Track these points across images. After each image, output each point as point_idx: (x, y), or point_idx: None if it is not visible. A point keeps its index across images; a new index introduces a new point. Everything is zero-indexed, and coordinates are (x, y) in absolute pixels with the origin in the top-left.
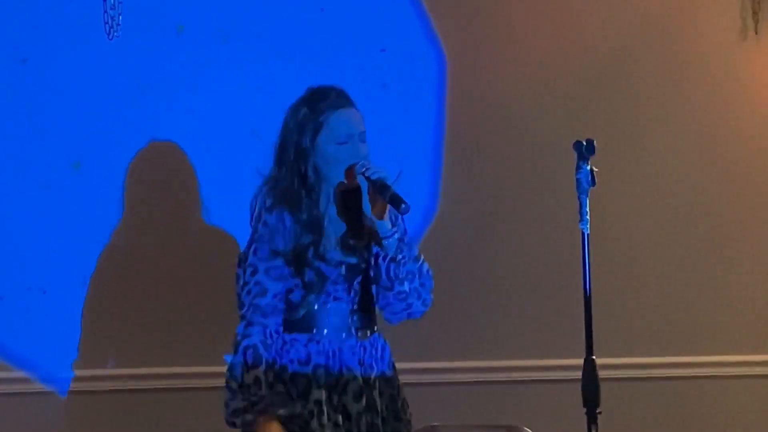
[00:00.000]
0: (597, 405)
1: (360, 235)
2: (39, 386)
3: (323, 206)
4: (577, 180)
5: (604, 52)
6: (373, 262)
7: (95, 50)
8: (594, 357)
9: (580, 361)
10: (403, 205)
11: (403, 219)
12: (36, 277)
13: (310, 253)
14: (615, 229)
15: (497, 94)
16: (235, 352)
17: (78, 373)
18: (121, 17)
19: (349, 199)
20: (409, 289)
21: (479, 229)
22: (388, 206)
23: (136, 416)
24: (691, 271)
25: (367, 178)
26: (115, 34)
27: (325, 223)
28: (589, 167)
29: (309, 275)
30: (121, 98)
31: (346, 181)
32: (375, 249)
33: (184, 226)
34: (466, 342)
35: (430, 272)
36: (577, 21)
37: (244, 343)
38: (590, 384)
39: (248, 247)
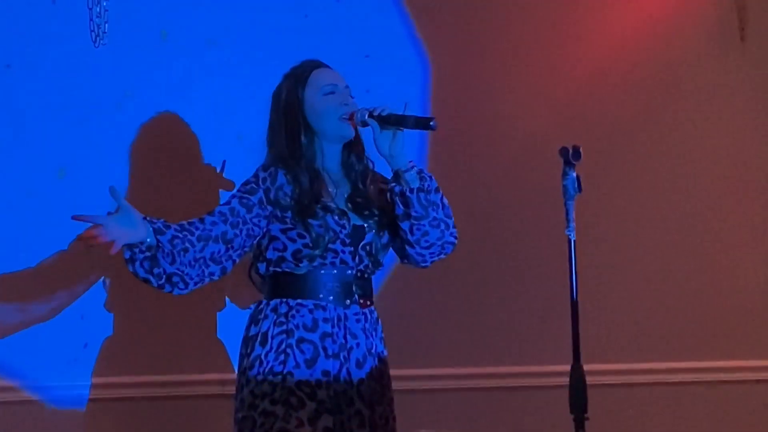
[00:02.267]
0: (584, 411)
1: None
2: (23, 395)
3: (320, 161)
4: (564, 186)
5: (590, 58)
6: (398, 201)
7: (79, 56)
8: (581, 363)
9: (568, 368)
10: (431, 122)
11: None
12: None
13: (315, 204)
14: (602, 236)
15: (481, 99)
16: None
17: (73, 382)
18: (107, 25)
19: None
20: (438, 216)
21: (464, 235)
22: (402, 143)
23: (133, 425)
24: (678, 278)
25: (378, 117)
26: (102, 42)
27: (326, 177)
28: (575, 174)
29: (315, 228)
30: (106, 105)
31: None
32: (397, 187)
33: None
34: (452, 349)
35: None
36: (564, 26)
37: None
38: (577, 390)
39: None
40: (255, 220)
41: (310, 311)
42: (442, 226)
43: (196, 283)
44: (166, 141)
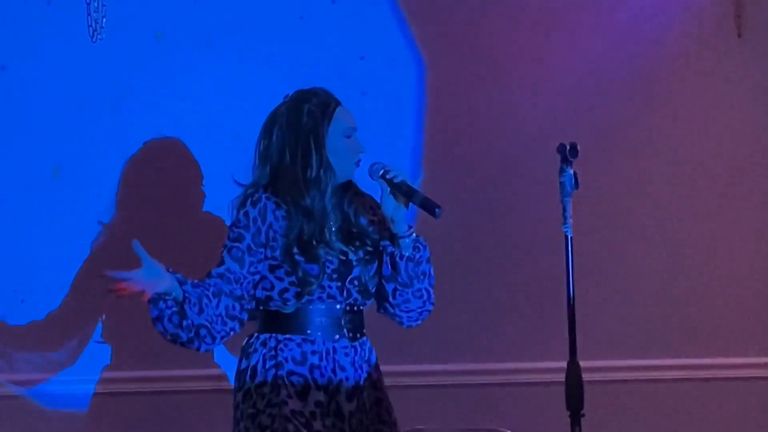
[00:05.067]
0: (581, 408)
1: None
2: (9, 391)
3: (329, 198)
4: (561, 183)
5: (587, 55)
6: (387, 261)
7: (74, 56)
8: (578, 360)
9: (564, 364)
10: (437, 210)
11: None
12: (17, 283)
13: (315, 239)
14: (599, 233)
15: (478, 97)
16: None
17: (68, 377)
18: (104, 20)
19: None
20: (423, 288)
21: (462, 233)
22: (408, 207)
23: (129, 420)
24: (675, 274)
25: (389, 181)
26: (99, 37)
27: (329, 213)
28: (572, 171)
29: (303, 266)
30: (101, 104)
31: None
32: (390, 248)
33: (181, 226)
34: (449, 345)
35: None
36: (559, 24)
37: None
38: (574, 387)
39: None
40: (251, 269)
41: (299, 345)
42: (425, 296)
43: (222, 338)
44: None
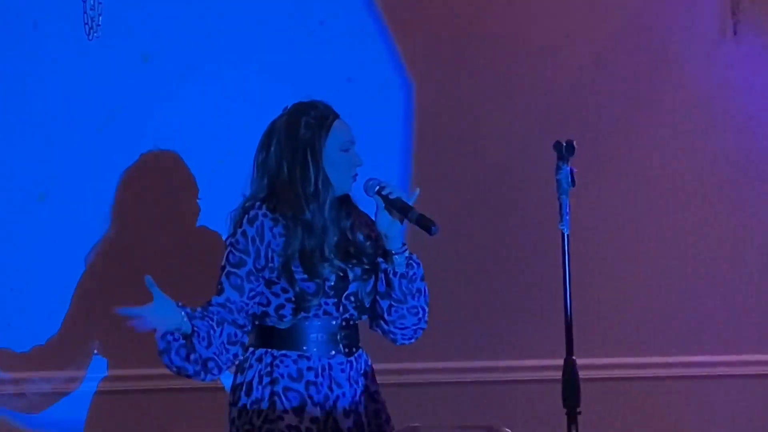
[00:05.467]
0: (577, 405)
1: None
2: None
3: (327, 212)
4: (557, 181)
5: (583, 51)
6: (382, 278)
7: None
8: (574, 357)
9: (561, 362)
10: (433, 227)
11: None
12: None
13: (316, 255)
14: (595, 230)
15: (474, 93)
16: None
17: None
18: (101, 18)
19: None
20: (417, 305)
21: (458, 231)
22: (399, 227)
23: (129, 416)
24: (672, 271)
25: (385, 198)
26: (95, 35)
27: (329, 228)
28: (568, 168)
29: (299, 283)
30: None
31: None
32: (383, 264)
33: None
34: (446, 343)
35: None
36: (554, 21)
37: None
38: (570, 384)
39: (225, 254)
40: (251, 295)
41: (294, 361)
42: (420, 314)
43: (228, 367)
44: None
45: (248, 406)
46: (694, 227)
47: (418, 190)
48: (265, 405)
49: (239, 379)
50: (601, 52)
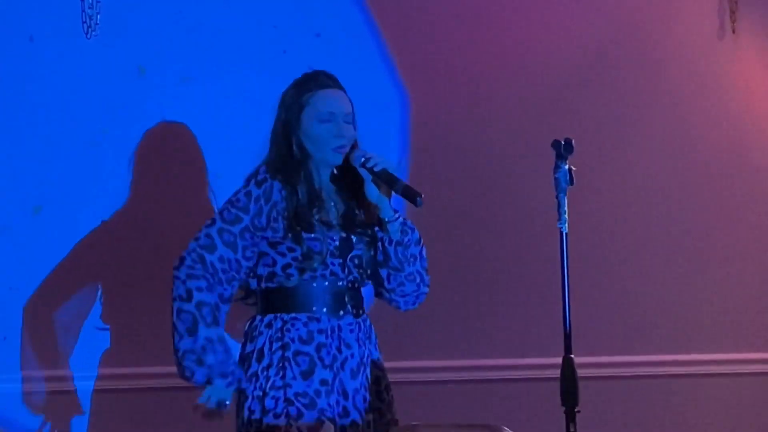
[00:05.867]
0: (576, 403)
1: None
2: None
3: (317, 182)
4: (556, 179)
5: (582, 50)
6: (379, 246)
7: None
8: (573, 355)
9: (559, 360)
10: (418, 198)
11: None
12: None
13: (314, 217)
14: (594, 229)
15: (474, 91)
16: (183, 297)
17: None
18: (99, 16)
19: (344, 178)
20: (414, 271)
21: (457, 229)
22: (392, 192)
23: (129, 415)
24: (670, 270)
25: (370, 170)
26: (93, 33)
27: (324, 195)
28: (567, 166)
29: (307, 242)
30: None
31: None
32: (379, 234)
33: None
34: (444, 341)
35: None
36: (555, 21)
37: (197, 297)
38: (569, 382)
39: (220, 209)
40: (247, 255)
41: (305, 324)
42: (418, 279)
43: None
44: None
45: (259, 372)
46: (693, 225)
47: (404, 160)
48: (274, 372)
49: (249, 348)
50: (600, 51)
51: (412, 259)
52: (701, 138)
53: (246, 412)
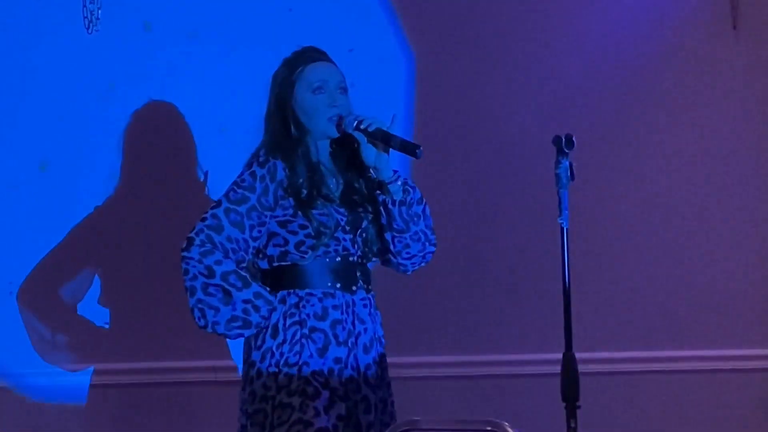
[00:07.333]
0: (576, 399)
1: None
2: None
3: (315, 156)
4: (557, 175)
5: (582, 47)
6: (382, 211)
7: (60, 51)
8: (573, 351)
9: (560, 356)
10: (417, 150)
11: None
12: (3, 278)
13: (317, 194)
14: (595, 224)
15: (473, 86)
16: (204, 274)
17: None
18: (100, 11)
19: (343, 153)
20: (419, 230)
21: (457, 224)
22: (387, 156)
23: (126, 410)
24: (671, 266)
25: (364, 131)
26: (95, 29)
27: (323, 169)
28: (568, 162)
29: (317, 217)
30: (87, 98)
31: (336, 134)
32: (381, 197)
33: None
34: (445, 337)
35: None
36: (555, 16)
37: (218, 270)
38: (569, 378)
39: (225, 191)
40: (254, 235)
41: (320, 300)
42: (423, 238)
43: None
44: (159, 131)
45: (274, 348)
46: (693, 223)
47: (396, 115)
48: (288, 348)
49: (263, 324)
50: (601, 47)
51: (416, 218)
52: (703, 134)
53: (261, 389)
